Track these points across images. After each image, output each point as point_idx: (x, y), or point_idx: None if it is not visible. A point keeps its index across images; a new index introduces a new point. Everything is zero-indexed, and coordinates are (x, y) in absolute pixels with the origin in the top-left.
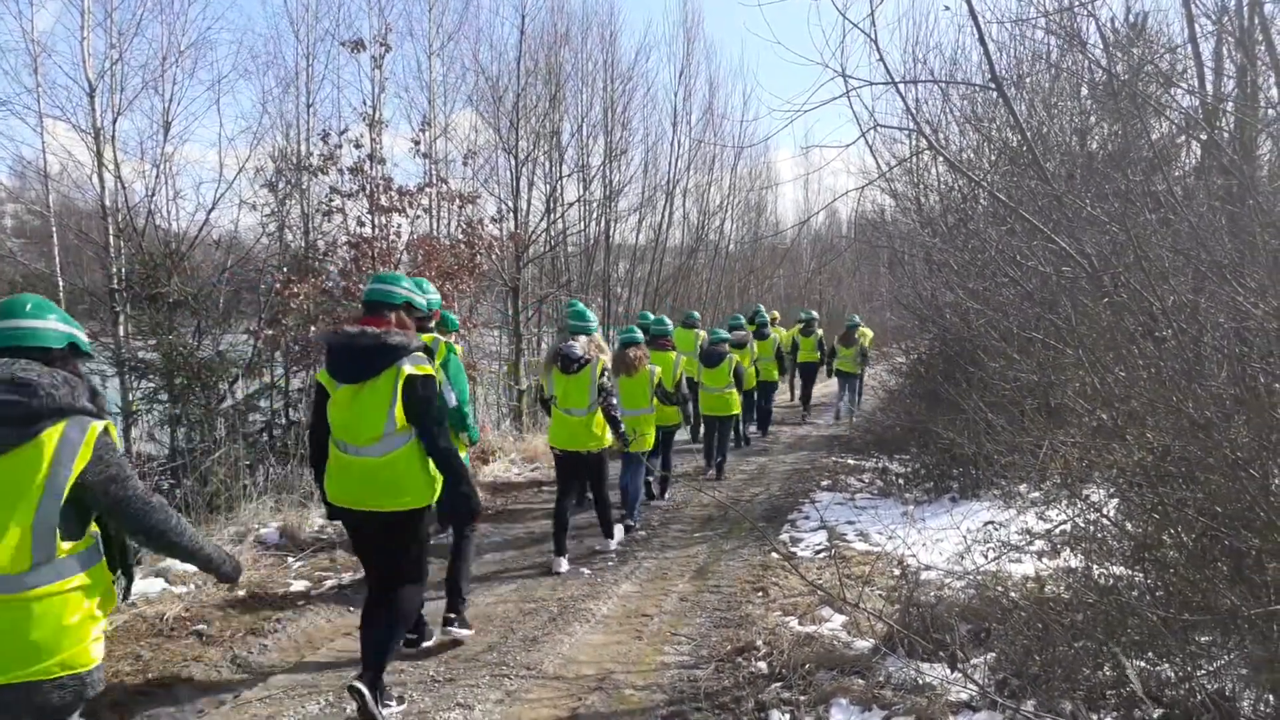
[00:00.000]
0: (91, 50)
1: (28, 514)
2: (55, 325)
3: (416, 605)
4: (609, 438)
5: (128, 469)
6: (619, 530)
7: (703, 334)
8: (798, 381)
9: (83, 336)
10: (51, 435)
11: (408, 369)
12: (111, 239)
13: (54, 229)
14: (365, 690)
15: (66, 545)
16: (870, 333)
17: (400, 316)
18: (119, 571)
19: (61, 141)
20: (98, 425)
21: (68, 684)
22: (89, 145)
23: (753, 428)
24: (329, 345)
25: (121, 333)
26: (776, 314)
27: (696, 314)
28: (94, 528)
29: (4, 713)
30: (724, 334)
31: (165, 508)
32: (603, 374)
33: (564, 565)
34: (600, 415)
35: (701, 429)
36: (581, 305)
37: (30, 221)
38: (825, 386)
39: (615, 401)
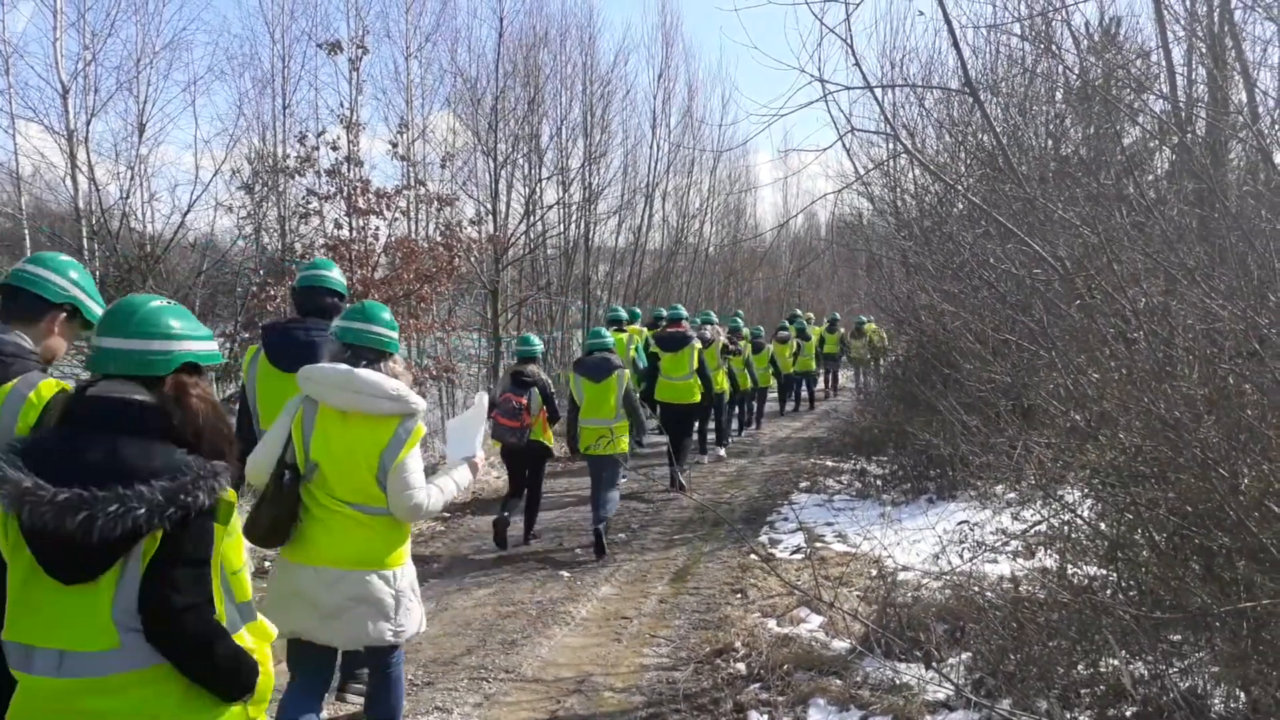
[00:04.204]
0: (64, 51)
1: (615, 399)
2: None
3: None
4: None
5: (633, 391)
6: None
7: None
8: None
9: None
10: (618, 375)
11: (698, 346)
12: (85, 241)
13: (26, 231)
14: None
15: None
16: (879, 329)
17: (686, 323)
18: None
19: (34, 143)
20: (626, 372)
21: (620, 460)
22: (62, 147)
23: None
24: (660, 337)
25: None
26: (810, 315)
27: (741, 313)
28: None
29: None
30: (761, 330)
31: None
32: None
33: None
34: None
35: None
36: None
37: (1, 224)
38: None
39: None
